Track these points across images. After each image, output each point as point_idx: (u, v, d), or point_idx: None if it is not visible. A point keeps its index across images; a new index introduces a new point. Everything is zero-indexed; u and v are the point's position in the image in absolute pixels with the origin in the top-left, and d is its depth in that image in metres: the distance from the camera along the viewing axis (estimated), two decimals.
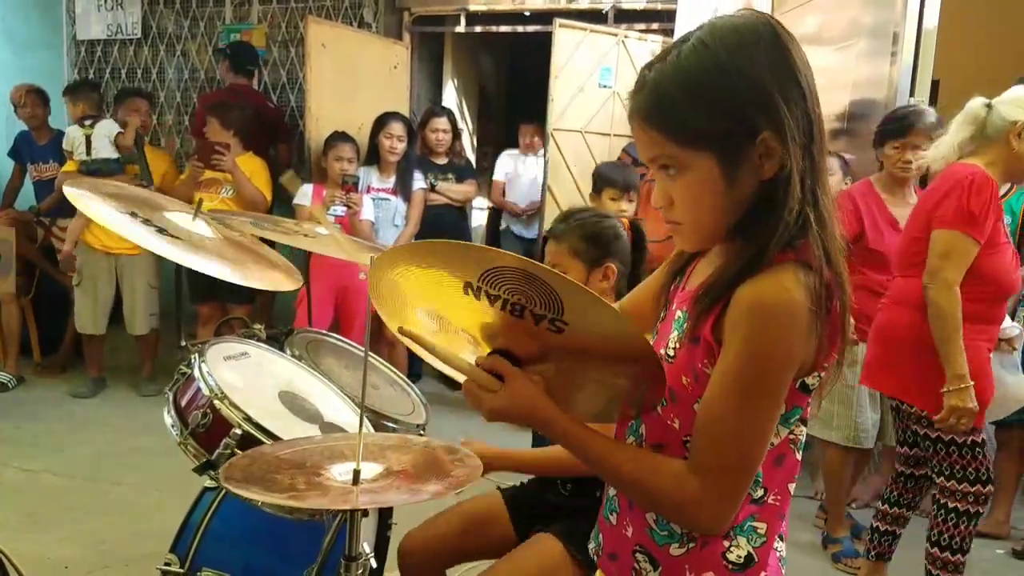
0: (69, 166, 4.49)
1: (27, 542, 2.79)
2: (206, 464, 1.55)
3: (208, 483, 1.82)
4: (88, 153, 4.40)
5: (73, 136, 4.49)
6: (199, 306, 4.44)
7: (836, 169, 3.44)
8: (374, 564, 1.78)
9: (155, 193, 1.95)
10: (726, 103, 0.91)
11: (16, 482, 3.38)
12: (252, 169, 4.22)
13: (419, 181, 4.35)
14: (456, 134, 4.71)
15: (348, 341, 2.36)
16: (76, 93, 4.80)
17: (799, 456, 1.07)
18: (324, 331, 2.49)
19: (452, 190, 4.55)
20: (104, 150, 4.39)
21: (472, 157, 5.83)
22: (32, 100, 4.90)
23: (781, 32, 0.94)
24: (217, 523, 1.79)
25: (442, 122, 4.60)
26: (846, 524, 3.09)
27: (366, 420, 1.84)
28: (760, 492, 1.03)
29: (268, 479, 1.37)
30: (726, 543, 1.03)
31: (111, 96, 5.47)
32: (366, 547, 1.53)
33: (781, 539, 1.09)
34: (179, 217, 1.72)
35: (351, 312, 4.08)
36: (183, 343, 1.73)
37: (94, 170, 4.32)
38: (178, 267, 2.14)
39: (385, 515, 2.03)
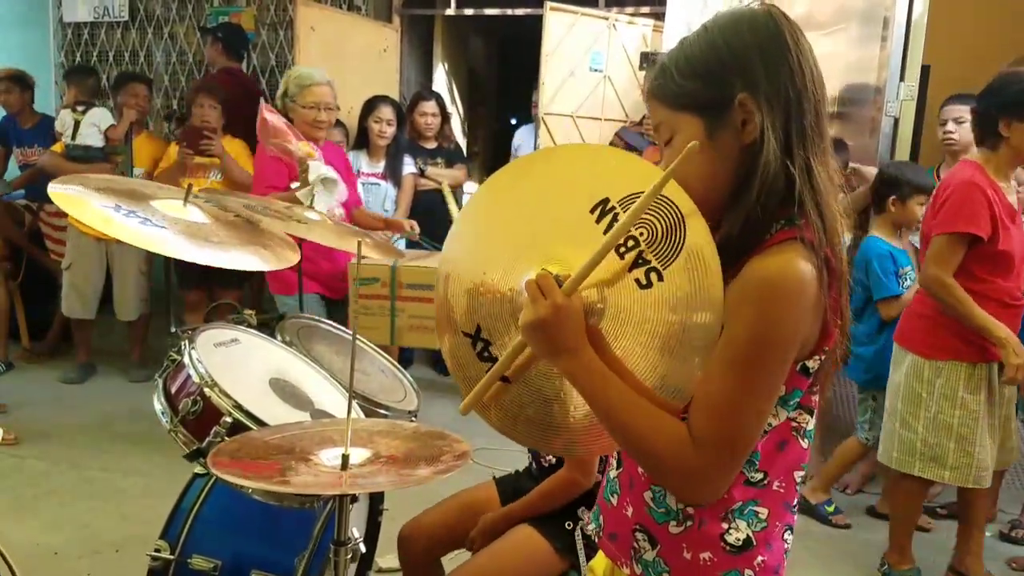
0: (56, 148, 4.46)
1: (14, 528, 2.79)
2: (196, 452, 1.55)
3: (198, 469, 1.82)
4: (73, 138, 4.36)
5: (64, 119, 4.47)
6: (187, 292, 4.40)
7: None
8: (363, 549, 1.79)
9: (144, 181, 1.93)
10: (712, 72, 0.99)
11: (3, 468, 3.37)
12: (235, 152, 4.19)
13: (409, 166, 4.33)
14: (445, 117, 4.67)
15: (339, 327, 2.36)
16: (71, 78, 4.82)
17: (805, 445, 1.07)
18: (315, 317, 2.48)
19: (442, 175, 4.52)
20: (91, 137, 4.35)
21: (462, 141, 5.80)
22: (6, 86, 4.84)
23: (779, 19, 1.00)
24: (207, 510, 1.78)
25: (430, 106, 4.55)
26: (912, 557, 2.77)
27: (356, 406, 1.84)
28: (759, 476, 1.04)
29: (257, 464, 1.37)
30: (725, 525, 1.04)
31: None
32: (355, 532, 1.53)
33: (791, 531, 1.09)
34: (168, 205, 1.71)
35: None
36: (173, 329, 1.72)
37: (76, 156, 4.29)
38: None
39: (376, 501, 2.03)
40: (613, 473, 1.16)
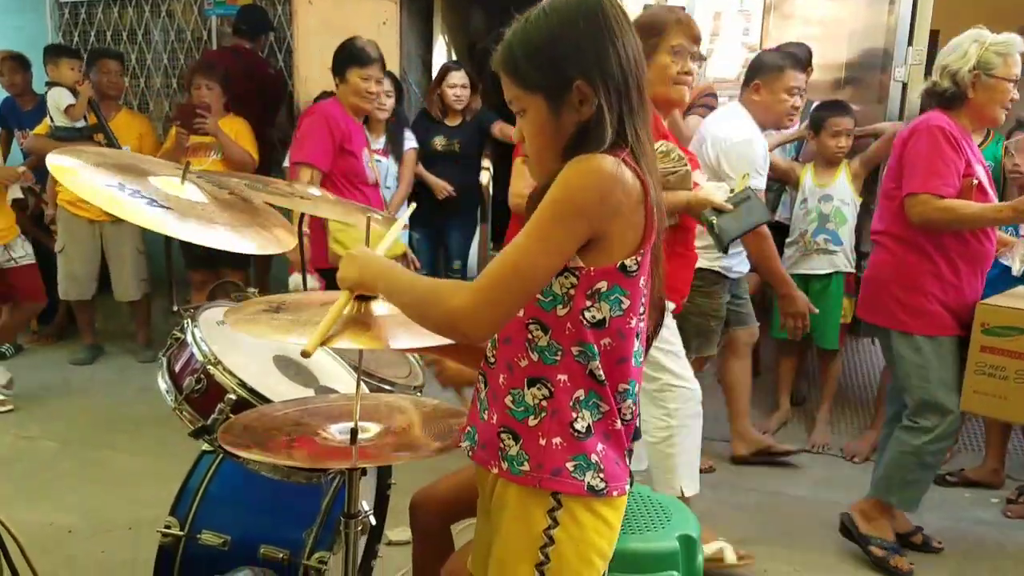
0: (39, 129, 4.45)
1: (27, 509, 2.81)
2: (201, 429, 1.55)
3: (206, 446, 1.82)
4: (52, 119, 4.34)
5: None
6: (192, 271, 4.41)
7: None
8: (373, 522, 1.79)
9: (139, 156, 1.91)
10: (551, 58, 1.16)
11: (14, 450, 3.39)
12: (236, 130, 4.16)
13: (410, 140, 4.28)
14: (474, 88, 4.53)
15: None
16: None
17: (635, 363, 1.22)
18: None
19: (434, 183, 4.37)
20: (59, 118, 4.31)
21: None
22: (10, 67, 4.80)
23: (608, 7, 1.16)
24: (215, 486, 1.79)
25: (460, 76, 4.37)
26: None
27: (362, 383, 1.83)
28: (603, 376, 1.19)
29: (266, 439, 1.37)
30: (574, 414, 1.19)
31: None
32: (365, 505, 1.53)
33: (628, 437, 1.24)
34: (166, 182, 1.68)
35: None
36: (175, 308, 1.71)
37: (60, 136, 4.27)
38: None
39: (384, 475, 2.03)
40: (482, 394, 1.29)
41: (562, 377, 1.18)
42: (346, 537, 1.45)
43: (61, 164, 1.42)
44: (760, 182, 2.86)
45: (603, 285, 1.16)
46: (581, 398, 1.19)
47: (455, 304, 1.12)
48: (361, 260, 1.27)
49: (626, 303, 1.18)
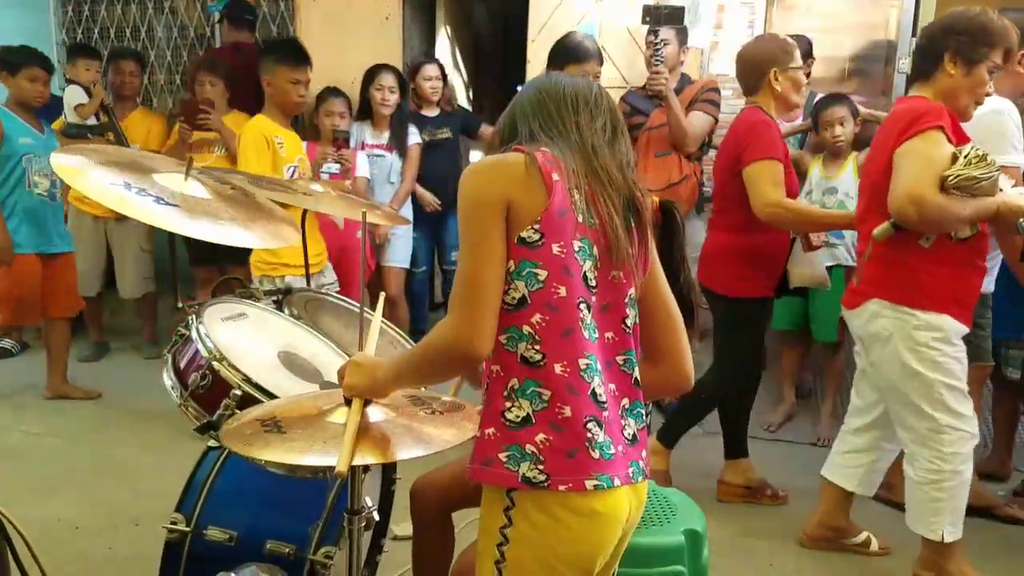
0: (55, 126, 4.46)
1: (34, 505, 2.82)
2: (207, 425, 1.55)
3: (212, 442, 1.82)
4: (66, 116, 4.36)
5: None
6: (197, 268, 4.41)
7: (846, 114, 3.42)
8: (377, 517, 1.79)
9: (143, 153, 1.92)
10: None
11: (21, 446, 3.41)
12: (240, 125, 4.16)
13: (414, 135, 4.28)
14: (445, 81, 4.59)
15: (347, 300, 2.35)
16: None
17: (586, 335, 1.21)
18: (323, 291, 2.48)
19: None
20: (71, 115, 4.33)
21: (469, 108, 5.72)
22: None
23: (542, 85, 1.33)
24: (221, 482, 1.79)
25: (433, 69, 4.41)
26: None
27: None
28: (538, 356, 1.19)
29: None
30: (508, 403, 1.20)
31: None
32: (368, 501, 1.54)
33: (596, 423, 1.20)
34: (170, 179, 1.69)
35: (351, 271, 4.04)
36: (179, 305, 1.72)
37: (71, 134, 4.28)
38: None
39: (389, 470, 2.04)
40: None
41: (495, 367, 1.22)
42: (349, 533, 1.46)
43: (64, 163, 1.43)
44: (1018, 158, 2.54)
45: (511, 265, 1.19)
46: (516, 387, 1.20)
47: (443, 341, 1.19)
48: (368, 367, 1.33)
49: (542, 274, 1.19)
